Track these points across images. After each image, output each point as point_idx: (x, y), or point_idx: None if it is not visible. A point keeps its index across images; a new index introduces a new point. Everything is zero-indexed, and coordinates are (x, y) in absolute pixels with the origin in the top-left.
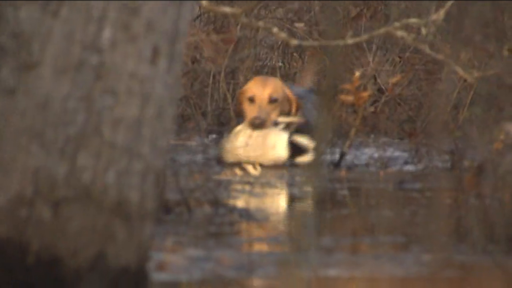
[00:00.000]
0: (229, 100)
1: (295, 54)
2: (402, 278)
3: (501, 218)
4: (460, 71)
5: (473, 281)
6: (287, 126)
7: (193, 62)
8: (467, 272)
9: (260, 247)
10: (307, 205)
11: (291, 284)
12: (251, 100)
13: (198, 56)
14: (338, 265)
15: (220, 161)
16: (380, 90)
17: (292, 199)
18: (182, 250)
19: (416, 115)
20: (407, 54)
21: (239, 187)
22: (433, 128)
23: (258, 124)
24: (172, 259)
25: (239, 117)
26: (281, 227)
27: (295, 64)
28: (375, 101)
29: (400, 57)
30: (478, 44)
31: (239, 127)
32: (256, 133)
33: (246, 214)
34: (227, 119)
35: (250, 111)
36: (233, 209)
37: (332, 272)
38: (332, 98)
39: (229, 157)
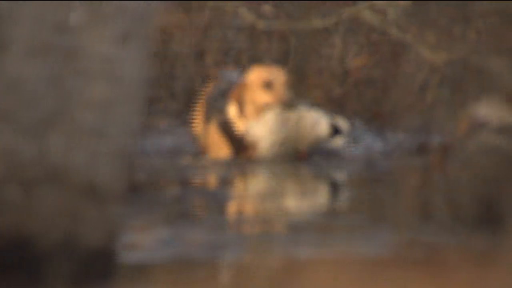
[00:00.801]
0: (198, 81)
1: (262, 36)
2: (369, 258)
3: (467, 198)
4: (427, 53)
5: (439, 261)
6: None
7: (162, 44)
8: (433, 252)
9: (229, 227)
10: (278, 184)
11: (260, 265)
12: (268, 85)
13: (167, 38)
14: (306, 245)
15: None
16: (347, 72)
17: (262, 180)
18: (152, 231)
19: (383, 97)
20: (374, 36)
21: (208, 168)
22: (400, 110)
23: (291, 103)
24: (142, 239)
25: (241, 108)
26: (251, 208)
27: (262, 46)
28: (342, 83)
29: (367, 39)
30: (444, 26)
31: (267, 114)
32: (291, 115)
33: (216, 195)
34: (196, 100)
35: (272, 95)
36: (202, 189)
37: (301, 252)
38: (299, 80)
39: (264, 144)
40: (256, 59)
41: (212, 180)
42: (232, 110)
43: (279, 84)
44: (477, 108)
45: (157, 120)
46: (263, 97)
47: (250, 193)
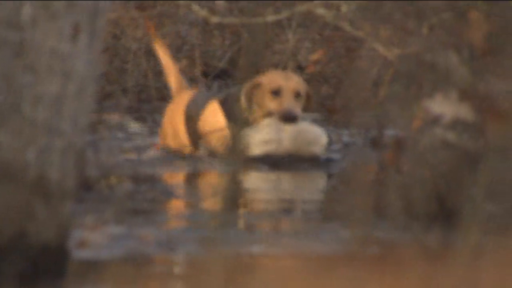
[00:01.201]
0: (150, 77)
1: (215, 31)
2: (323, 255)
3: (420, 195)
4: (380, 48)
5: (392, 257)
6: (312, 122)
7: (113, 39)
8: (386, 248)
9: (182, 224)
10: (229, 182)
11: (212, 261)
12: (276, 93)
13: (118, 33)
14: (258, 242)
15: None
16: (300, 67)
17: (213, 176)
18: (103, 228)
19: (337, 92)
20: (327, 31)
21: (160, 164)
22: (353, 105)
23: (290, 118)
24: (93, 236)
25: (251, 109)
26: (202, 204)
27: (215, 41)
28: None
29: (320, 35)
30: (398, 22)
31: (266, 121)
32: (289, 128)
33: (167, 191)
34: (147, 96)
35: (276, 105)
36: (154, 186)
37: (253, 249)
38: (252, 76)
39: (255, 151)
40: (208, 54)
41: (164, 174)
42: (243, 102)
43: (285, 95)
44: (431, 103)
45: (108, 116)
46: (268, 103)
47: (205, 189)
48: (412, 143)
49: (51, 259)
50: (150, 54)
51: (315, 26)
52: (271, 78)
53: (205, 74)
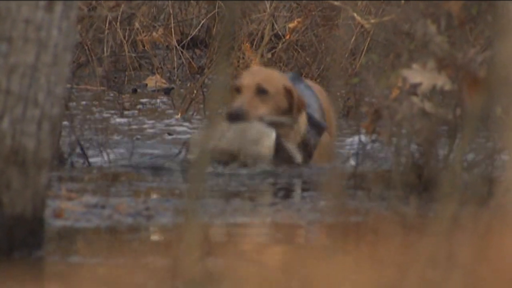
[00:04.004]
0: (125, 47)
1: (192, 1)
2: (302, 224)
3: (397, 165)
4: (357, 17)
5: (369, 227)
6: (275, 125)
7: (88, 9)
8: (363, 218)
9: (157, 194)
10: (204, 152)
11: (188, 232)
12: (238, 90)
13: (94, 2)
14: (236, 212)
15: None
16: (277, 36)
17: (188, 147)
18: (79, 198)
19: (313, 61)
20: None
21: (134, 134)
22: (330, 74)
23: (234, 116)
24: (69, 206)
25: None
26: (177, 175)
27: (192, 10)
28: (272, 48)
29: (297, 3)
30: None
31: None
32: (236, 126)
33: (142, 161)
34: (123, 66)
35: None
36: (129, 156)
37: (230, 219)
38: (229, 44)
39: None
40: (185, 24)
41: (138, 144)
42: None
43: (245, 91)
44: (408, 72)
45: (84, 85)
46: (231, 101)
47: (175, 158)
48: (389, 113)
49: (26, 228)
50: (125, 24)
51: None
52: (240, 76)
53: (181, 43)
